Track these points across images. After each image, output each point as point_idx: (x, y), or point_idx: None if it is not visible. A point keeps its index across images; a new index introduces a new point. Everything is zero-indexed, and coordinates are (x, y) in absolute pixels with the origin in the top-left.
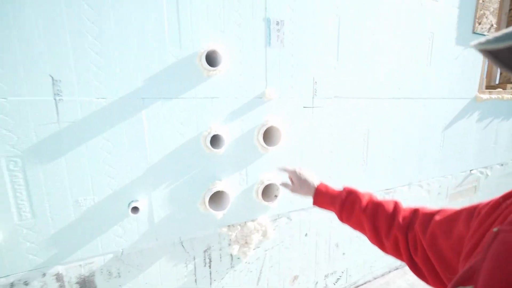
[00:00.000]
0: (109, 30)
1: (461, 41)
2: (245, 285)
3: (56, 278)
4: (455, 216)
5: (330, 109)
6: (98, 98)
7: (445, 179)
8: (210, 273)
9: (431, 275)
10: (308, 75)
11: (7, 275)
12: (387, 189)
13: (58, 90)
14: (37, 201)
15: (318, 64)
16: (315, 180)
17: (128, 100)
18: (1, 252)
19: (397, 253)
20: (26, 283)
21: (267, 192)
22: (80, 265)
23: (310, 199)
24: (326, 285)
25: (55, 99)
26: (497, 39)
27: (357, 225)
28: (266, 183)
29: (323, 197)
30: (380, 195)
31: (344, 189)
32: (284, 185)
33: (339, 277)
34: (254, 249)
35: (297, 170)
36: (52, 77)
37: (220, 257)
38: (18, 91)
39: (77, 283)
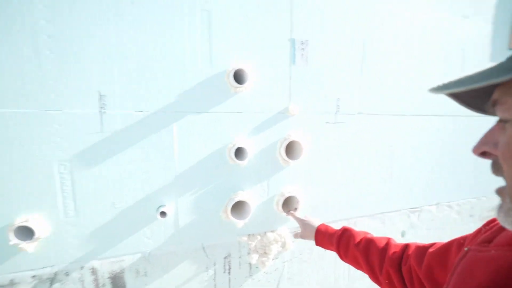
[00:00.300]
0: (149, 51)
1: (496, 57)
2: None
3: (92, 272)
4: (447, 247)
5: (353, 125)
6: (136, 111)
7: (478, 200)
8: (229, 280)
9: None
10: (331, 92)
11: (52, 265)
12: (413, 208)
13: (103, 104)
14: (80, 201)
15: (341, 80)
16: (317, 222)
17: (163, 114)
18: (49, 245)
19: None
20: (67, 274)
21: (287, 204)
22: (112, 262)
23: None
24: None
25: (100, 112)
26: (453, 85)
27: (354, 262)
28: (287, 195)
29: (323, 237)
30: (405, 214)
31: (342, 227)
32: (295, 235)
33: None
34: (272, 260)
35: (302, 217)
36: (100, 93)
37: (240, 265)
38: (72, 104)
39: (109, 277)
